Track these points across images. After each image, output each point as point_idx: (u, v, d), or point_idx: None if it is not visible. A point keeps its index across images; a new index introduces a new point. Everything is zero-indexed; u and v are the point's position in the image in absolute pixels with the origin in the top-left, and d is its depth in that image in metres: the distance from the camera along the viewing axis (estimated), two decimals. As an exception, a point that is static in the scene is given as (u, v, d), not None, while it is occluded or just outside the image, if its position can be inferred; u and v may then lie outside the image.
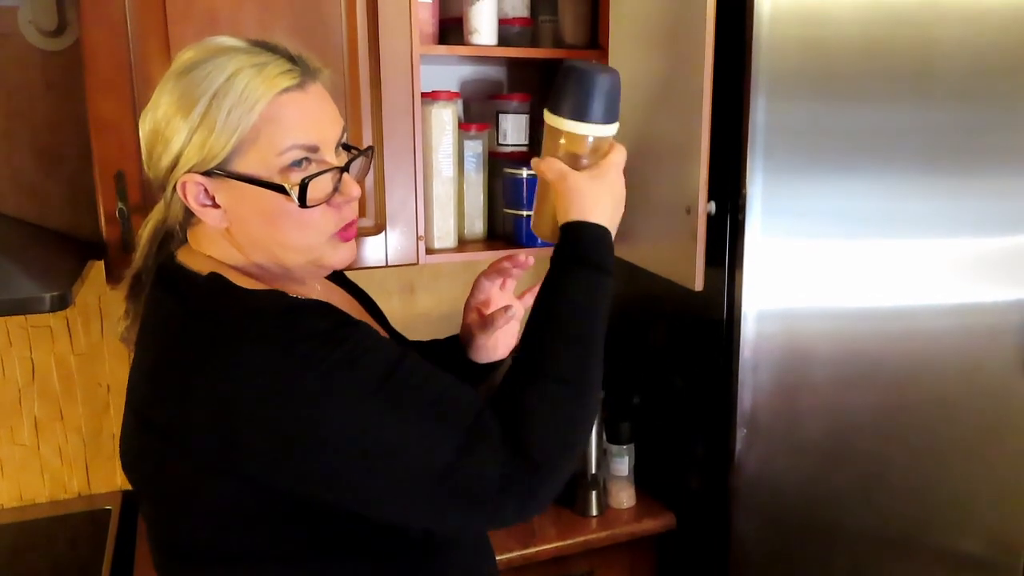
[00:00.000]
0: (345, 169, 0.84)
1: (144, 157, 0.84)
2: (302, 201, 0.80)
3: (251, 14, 1.28)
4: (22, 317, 1.54)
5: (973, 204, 1.43)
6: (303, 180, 0.80)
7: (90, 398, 1.62)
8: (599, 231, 0.87)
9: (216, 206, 0.82)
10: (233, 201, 0.81)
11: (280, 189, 0.79)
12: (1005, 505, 1.57)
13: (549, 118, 0.89)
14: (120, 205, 1.26)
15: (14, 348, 1.56)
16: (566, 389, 0.81)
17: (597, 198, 0.87)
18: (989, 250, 1.46)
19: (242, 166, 0.79)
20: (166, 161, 0.80)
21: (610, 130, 0.89)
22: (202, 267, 0.84)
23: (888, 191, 1.38)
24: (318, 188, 0.81)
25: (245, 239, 0.84)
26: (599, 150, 0.90)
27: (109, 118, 1.23)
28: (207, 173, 0.79)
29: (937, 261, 1.44)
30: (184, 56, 0.81)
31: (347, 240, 0.87)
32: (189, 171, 0.79)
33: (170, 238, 0.89)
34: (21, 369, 1.57)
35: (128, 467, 0.85)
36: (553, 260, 0.87)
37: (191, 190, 0.80)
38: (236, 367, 0.75)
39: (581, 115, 0.86)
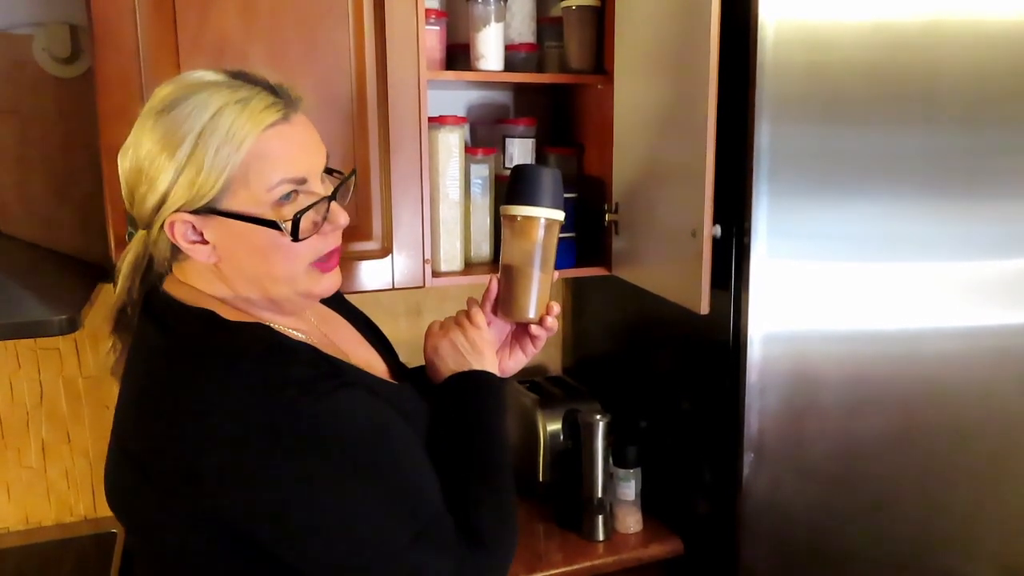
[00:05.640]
0: (332, 197, 0.84)
1: (125, 195, 0.83)
2: (295, 235, 0.80)
3: (261, 41, 1.30)
4: (31, 340, 1.55)
5: (980, 227, 1.43)
6: (295, 216, 0.80)
7: (97, 421, 1.62)
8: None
9: (204, 242, 0.81)
10: (222, 237, 0.81)
11: (273, 225, 0.79)
12: (1014, 529, 1.55)
13: (504, 209, 1.04)
14: (130, 229, 1.27)
15: (23, 370, 1.57)
16: (502, 484, 0.90)
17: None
18: (997, 273, 1.46)
19: (232, 203, 0.79)
20: (152, 201, 0.79)
21: (557, 214, 1.03)
22: (188, 298, 0.84)
23: (894, 214, 1.38)
24: (308, 219, 0.81)
25: (234, 273, 0.83)
26: (550, 236, 1.04)
27: (120, 144, 1.24)
28: (196, 211, 0.79)
29: (944, 284, 1.43)
30: (162, 92, 0.80)
31: (328, 271, 0.87)
32: (177, 210, 0.78)
33: (150, 269, 0.88)
34: (29, 391, 1.58)
35: (109, 496, 0.85)
36: (449, 396, 0.97)
37: (179, 229, 0.80)
38: (211, 406, 0.75)
39: (532, 201, 1.02)
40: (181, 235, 0.80)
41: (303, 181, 0.81)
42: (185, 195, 0.78)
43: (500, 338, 1.07)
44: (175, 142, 0.77)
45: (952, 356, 1.46)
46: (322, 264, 0.85)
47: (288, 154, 0.80)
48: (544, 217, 1.02)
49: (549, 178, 1.02)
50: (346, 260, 1.34)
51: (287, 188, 0.80)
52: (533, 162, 1.69)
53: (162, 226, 0.80)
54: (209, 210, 0.79)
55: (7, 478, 1.58)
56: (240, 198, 0.79)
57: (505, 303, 1.05)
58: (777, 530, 1.42)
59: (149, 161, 0.78)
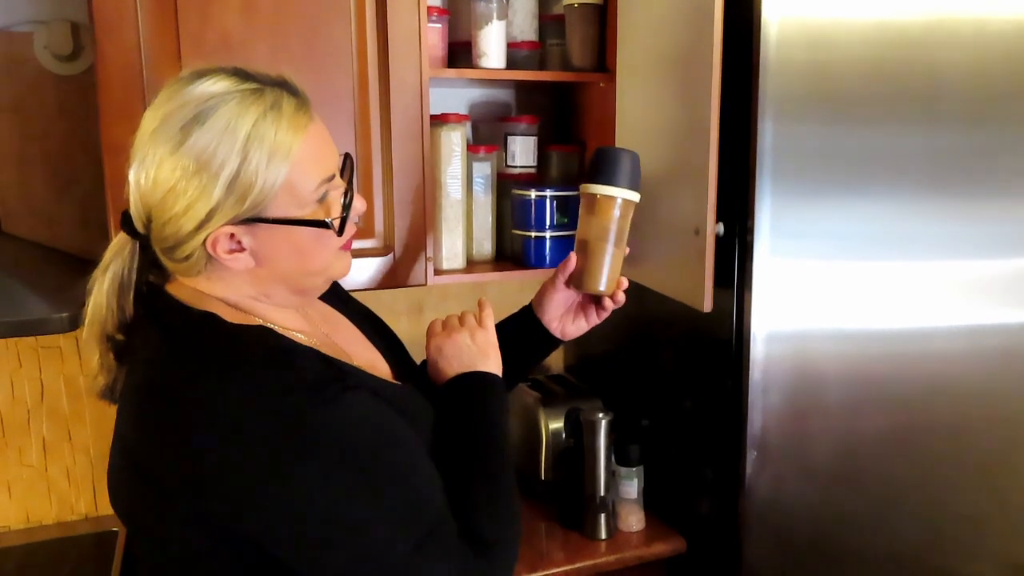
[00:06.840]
0: (350, 186, 0.86)
1: (141, 216, 0.80)
2: (342, 231, 0.83)
3: (263, 40, 1.30)
4: (32, 338, 1.54)
5: (983, 226, 1.43)
6: (343, 214, 0.83)
7: (99, 419, 1.62)
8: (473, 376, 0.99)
9: (242, 250, 0.80)
10: (263, 242, 0.81)
11: (323, 224, 0.81)
12: (1016, 528, 1.55)
13: (584, 188, 1.11)
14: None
15: (24, 369, 1.56)
16: (505, 487, 0.90)
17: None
18: (1000, 272, 1.46)
19: (278, 210, 0.79)
20: (191, 221, 0.77)
21: (634, 195, 1.11)
22: (190, 299, 0.83)
23: (897, 213, 1.38)
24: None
25: (267, 274, 0.83)
26: (625, 215, 1.11)
27: (121, 142, 1.22)
28: (241, 222, 0.78)
29: (947, 283, 1.43)
30: (175, 105, 0.77)
31: (349, 250, 0.90)
32: (222, 225, 0.77)
33: (130, 287, 0.85)
34: (30, 390, 1.57)
35: (112, 498, 0.85)
36: (453, 397, 0.97)
37: (221, 243, 0.79)
38: (213, 411, 0.74)
39: (610, 181, 1.09)
40: (223, 248, 0.79)
41: (333, 177, 0.84)
42: (234, 210, 0.77)
43: (566, 306, 1.16)
44: (217, 159, 0.75)
45: (955, 355, 1.46)
46: (345, 246, 0.89)
47: (322, 153, 0.82)
48: (621, 197, 1.10)
49: (628, 160, 1.10)
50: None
51: (325, 187, 0.82)
52: (537, 160, 1.69)
53: (204, 243, 0.78)
54: (255, 219, 0.78)
55: (8, 477, 1.58)
56: (284, 203, 0.79)
57: (579, 275, 1.13)
58: (780, 528, 1.42)
59: (185, 181, 0.76)
